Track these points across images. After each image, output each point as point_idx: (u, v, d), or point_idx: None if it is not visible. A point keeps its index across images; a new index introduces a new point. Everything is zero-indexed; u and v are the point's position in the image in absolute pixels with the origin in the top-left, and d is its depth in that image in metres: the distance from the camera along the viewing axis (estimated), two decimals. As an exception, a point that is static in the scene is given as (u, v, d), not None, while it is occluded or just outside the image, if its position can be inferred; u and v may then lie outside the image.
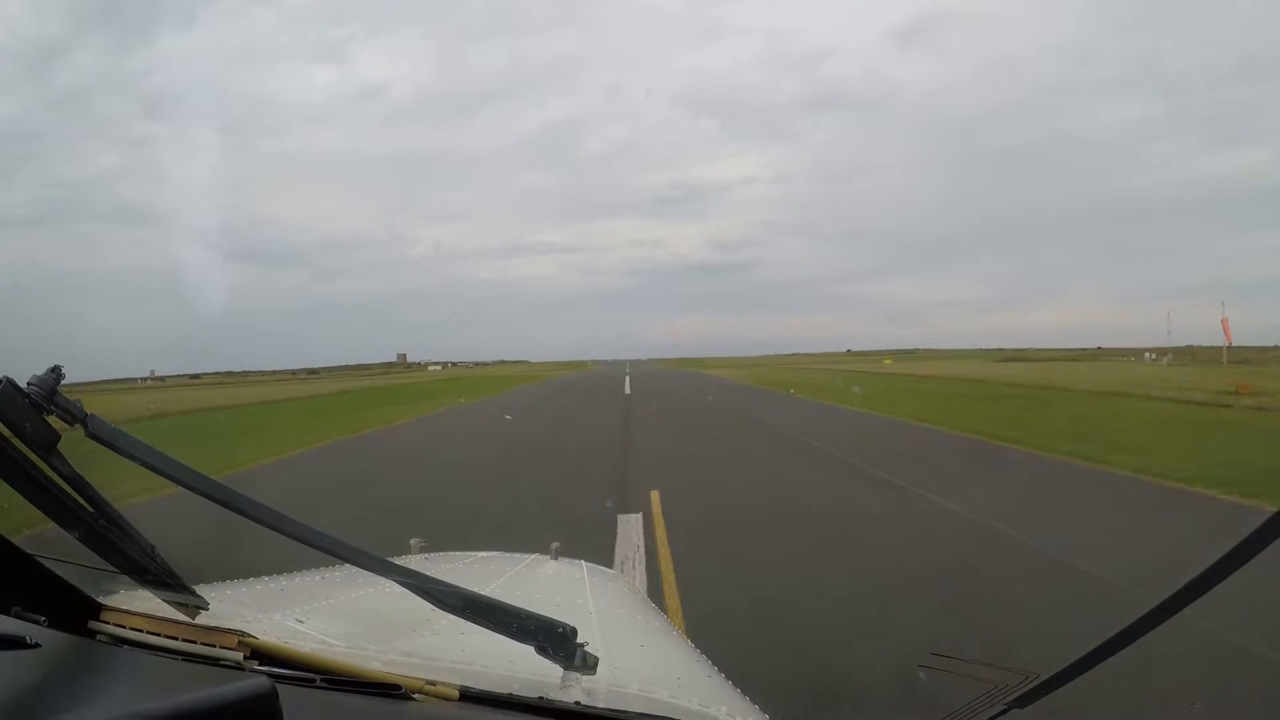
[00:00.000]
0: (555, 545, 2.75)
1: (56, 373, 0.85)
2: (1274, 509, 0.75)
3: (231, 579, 1.73)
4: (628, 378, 55.11)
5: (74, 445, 0.88)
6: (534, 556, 2.70)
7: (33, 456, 0.84)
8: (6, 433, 0.82)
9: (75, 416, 0.86)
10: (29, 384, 0.83)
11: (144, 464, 0.88)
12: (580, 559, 2.70)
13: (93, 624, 1.04)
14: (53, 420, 0.85)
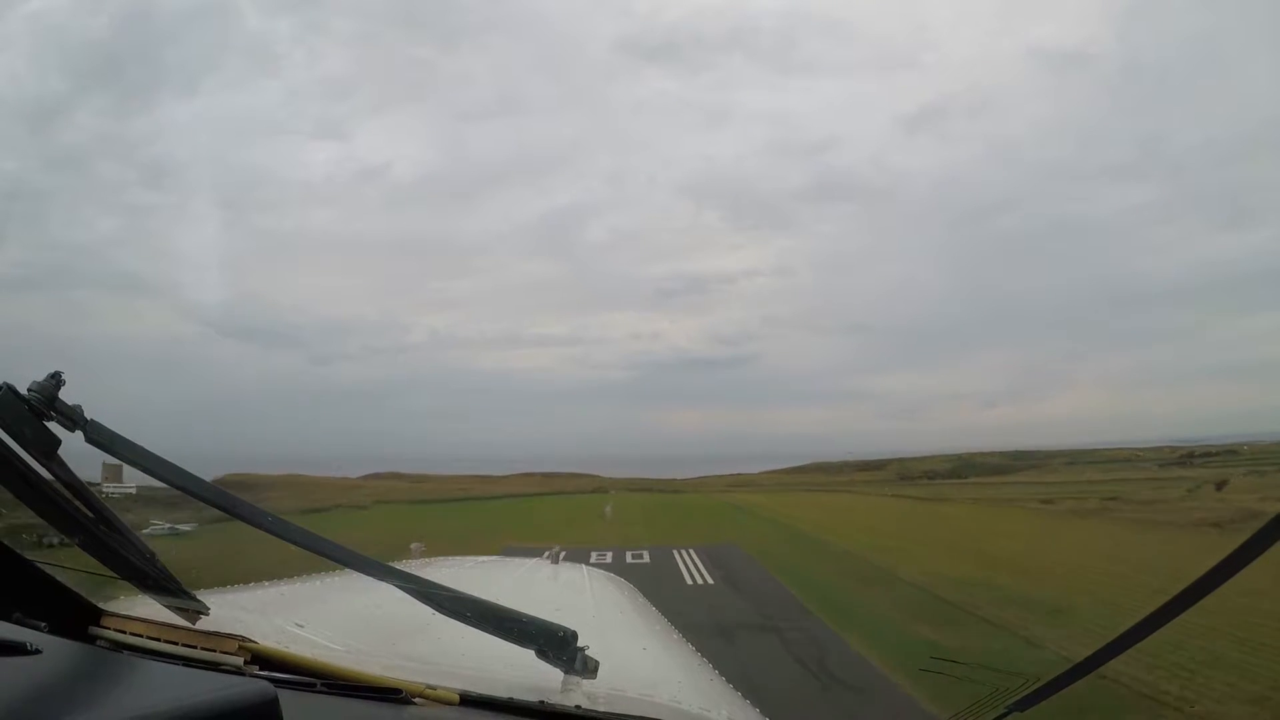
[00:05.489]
0: (557, 549, 2.77)
1: (57, 379, 0.85)
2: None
3: (232, 584, 1.73)
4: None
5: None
6: (534, 561, 2.71)
7: (33, 462, 0.85)
8: (6, 439, 0.82)
9: (75, 422, 0.86)
10: (29, 390, 0.83)
11: (145, 469, 0.88)
12: (581, 564, 2.72)
13: (93, 629, 1.04)
14: (53, 426, 0.85)
